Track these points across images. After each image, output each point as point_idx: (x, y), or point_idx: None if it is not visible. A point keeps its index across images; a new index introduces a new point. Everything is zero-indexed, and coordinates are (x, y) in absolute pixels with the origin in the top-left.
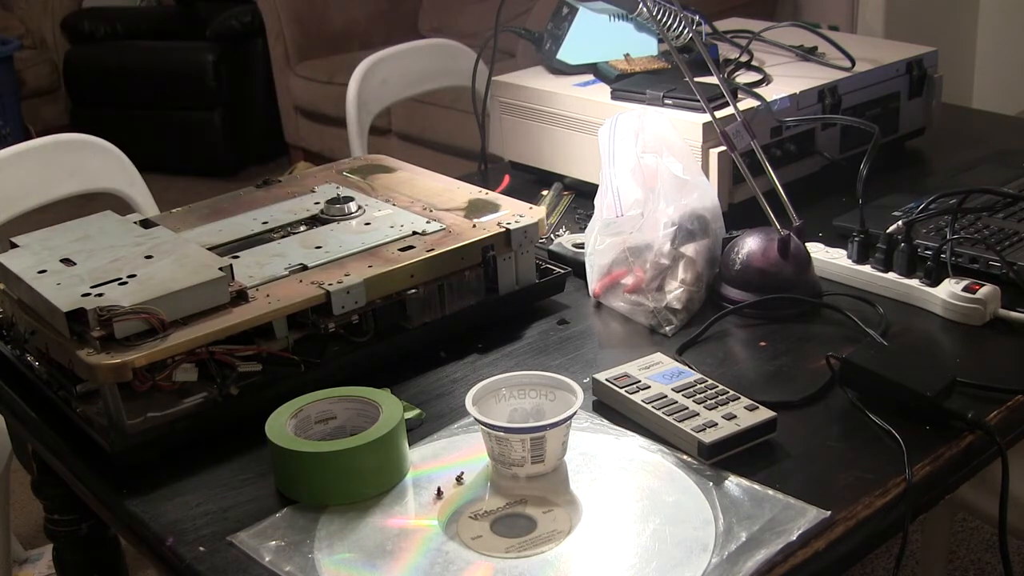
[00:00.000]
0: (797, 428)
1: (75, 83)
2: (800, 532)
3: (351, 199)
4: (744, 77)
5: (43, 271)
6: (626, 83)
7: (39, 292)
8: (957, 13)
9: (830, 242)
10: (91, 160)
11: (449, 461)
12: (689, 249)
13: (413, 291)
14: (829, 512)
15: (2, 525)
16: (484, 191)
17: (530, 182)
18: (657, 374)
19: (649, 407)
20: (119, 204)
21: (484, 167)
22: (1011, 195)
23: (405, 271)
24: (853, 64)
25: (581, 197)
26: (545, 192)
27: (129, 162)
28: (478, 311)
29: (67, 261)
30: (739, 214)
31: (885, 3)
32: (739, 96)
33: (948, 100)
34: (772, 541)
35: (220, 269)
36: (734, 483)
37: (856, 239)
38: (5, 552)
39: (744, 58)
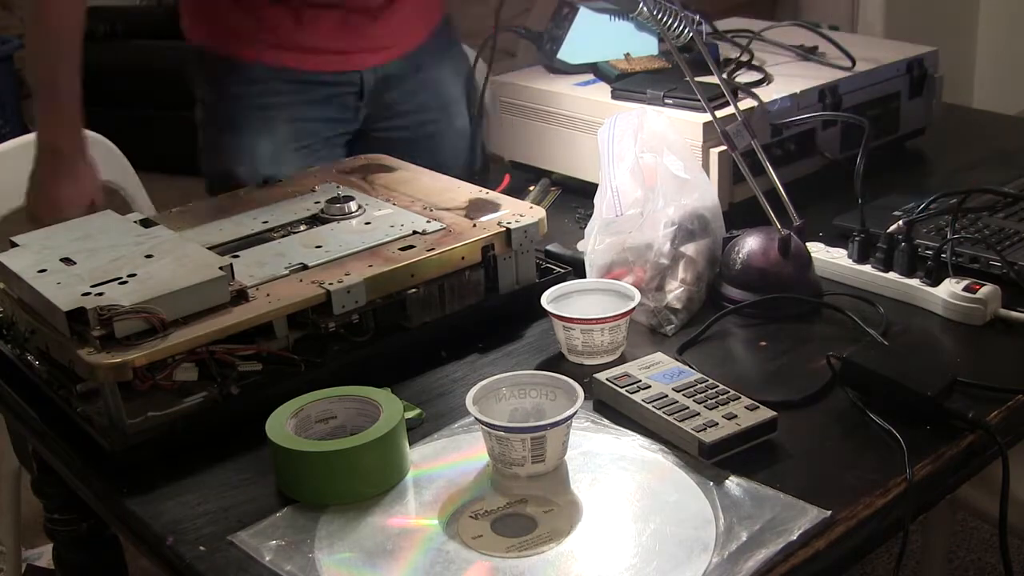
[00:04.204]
0: (798, 428)
1: None
2: (801, 532)
3: (351, 198)
4: (744, 77)
5: (43, 270)
6: (626, 82)
7: (39, 291)
8: (957, 13)
9: (830, 242)
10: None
11: (449, 461)
12: (689, 249)
13: (413, 290)
14: (830, 512)
15: (13, 530)
16: (484, 190)
17: (530, 182)
18: (658, 374)
19: (650, 407)
20: (117, 200)
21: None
22: (1011, 195)
23: (405, 270)
24: (854, 64)
25: (582, 196)
26: (532, 188)
27: (124, 158)
28: (478, 311)
29: (67, 260)
30: (739, 213)
31: (885, 3)
32: (739, 96)
33: (948, 100)
34: (773, 541)
35: (220, 268)
36: (735, 483)
37: (856, 239)
38: (16, 551)
39: (744, 58)
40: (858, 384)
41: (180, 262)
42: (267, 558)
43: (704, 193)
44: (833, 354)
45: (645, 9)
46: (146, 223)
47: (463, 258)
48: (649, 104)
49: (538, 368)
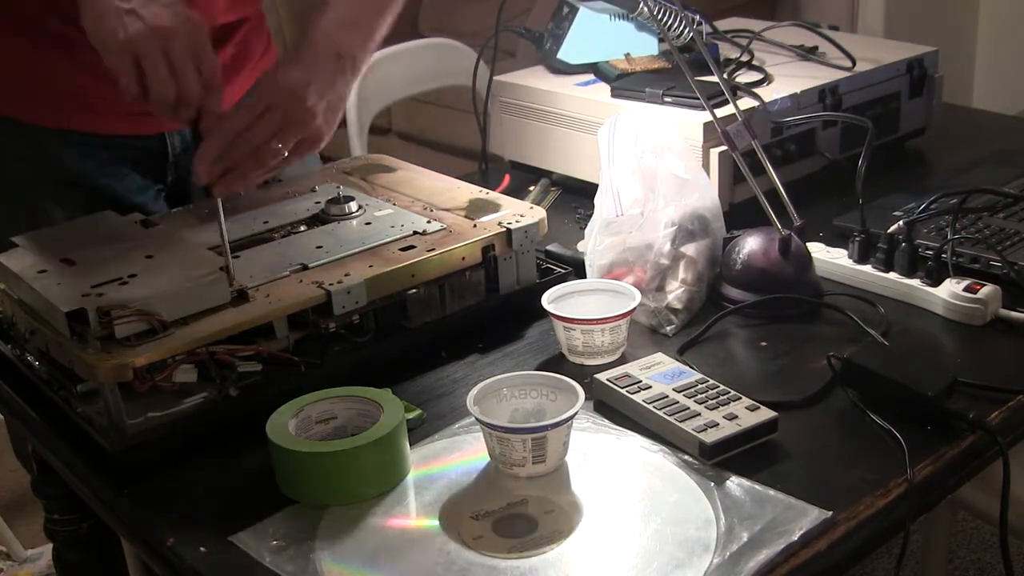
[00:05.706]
0: (798, 428)
1: None
2: (802, 532)
3: (352, 199)
4: (745, 77)
5: (43, 271)
6: (626, 82)
7: (39, 292)
8: (957, 13)
9: (831, 242)
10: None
11: (450, 461)
12: (690, 249)
13: (414, 291)
14: (831, 512)
15: None
16: (485, 191)
17: (530, 182)
18: (658, 374)
19: (650, 407)
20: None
21: (484, 167)
22: (1012, 195)
23: (406, 271)
24: (854, 64)
25: (582, 196)
26: (532, 188)
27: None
28: (479, 311)
29: (67, 261)
30: (740, 214)
31: (885, 3)
32: (739, 95)
33: (948, 100)
34: (774, 541)
35: (220, 269)
36: (735, 483)
37: (857, 239)
38: None
39: (745, 58)
40: (859, 384)
41: (180, 262)
42: (267, 559)
43: (704, 193)
44: (834, 354)
45: (645, 9)
46: (146, 224)
47: (463, 258)
48: (648, 103)
49: (538, 368)
